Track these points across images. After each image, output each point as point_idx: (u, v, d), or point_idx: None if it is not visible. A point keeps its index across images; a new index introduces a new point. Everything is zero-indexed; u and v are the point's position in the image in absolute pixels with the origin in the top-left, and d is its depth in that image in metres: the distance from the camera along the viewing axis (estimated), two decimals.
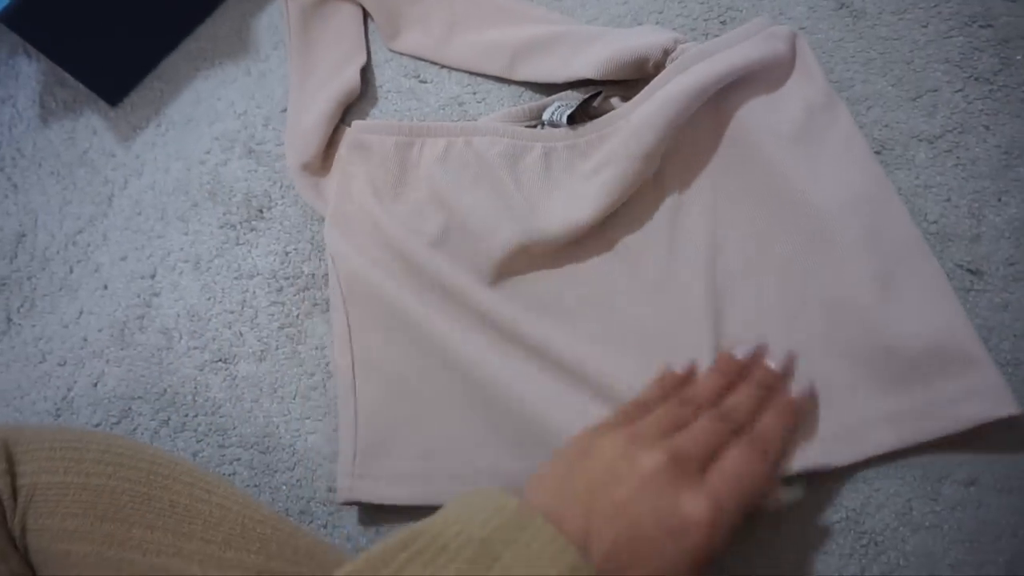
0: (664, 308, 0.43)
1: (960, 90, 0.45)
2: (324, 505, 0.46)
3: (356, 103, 0.55)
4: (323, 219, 0.51)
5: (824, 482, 0.39)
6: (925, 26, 0.47)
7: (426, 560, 0.28)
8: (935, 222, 0.42)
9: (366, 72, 0.56)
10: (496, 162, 0.46)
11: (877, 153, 0.44)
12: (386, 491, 0.44)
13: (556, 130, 0.47)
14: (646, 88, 0.45)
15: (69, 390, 0.54)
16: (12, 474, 0.37)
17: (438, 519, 0.30)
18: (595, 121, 0.46)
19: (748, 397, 0.37)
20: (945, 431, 0.37)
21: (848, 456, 0.38)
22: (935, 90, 0.45)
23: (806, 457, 0.38)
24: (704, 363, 0.40)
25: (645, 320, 0.44)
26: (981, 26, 0.45)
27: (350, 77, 0.54)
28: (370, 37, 0.58)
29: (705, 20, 0.51)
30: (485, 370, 0.43)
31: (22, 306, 0.58)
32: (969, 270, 0.41)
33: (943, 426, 0.37)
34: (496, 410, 0.43)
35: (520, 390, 0.42)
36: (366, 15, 0.58)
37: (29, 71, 0.65)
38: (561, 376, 0.43)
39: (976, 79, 0.45)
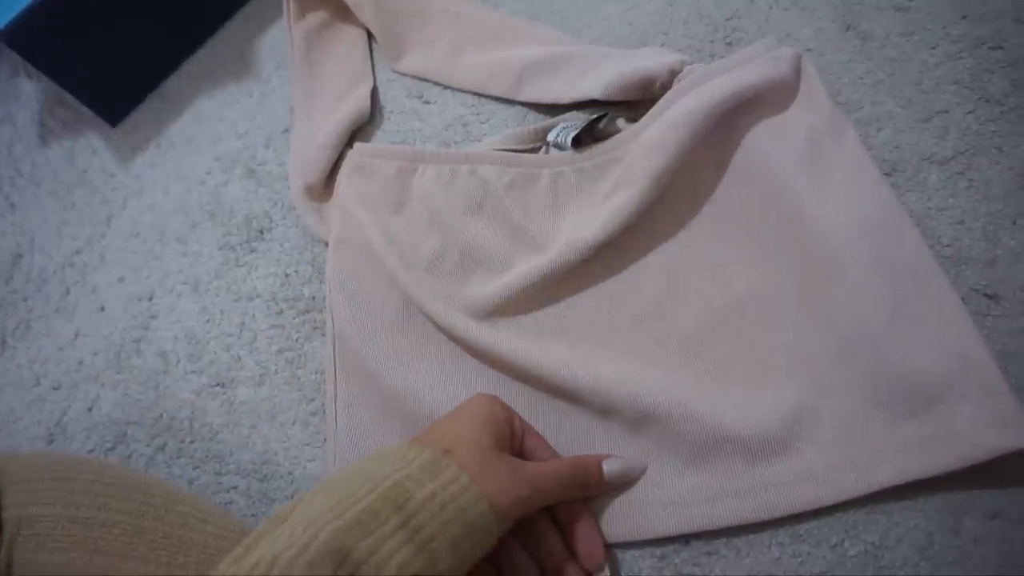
0: (665, 336, 0.43)
1: (971, 112, 0.44)
2: None
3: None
4: (324, 241, 0.51)
5: (843, 515, 0.38)
6: (934, 48, 0.46)
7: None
8: (949, 245, 0.42)
9: (373, 89, 0.56)
10: (504, 193, 0.46)
11: (888, 175, 0.44)
12: None
13: (563, 154, 0.46)
14: (652, 110, 0.45)
15: (63, 415, 0.53)
16: None
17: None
18: (602, 144, 0.46)
19: None
20: (963, 463, 0.36)
21: (863, 487, 0.37)
22: (945, 112, 0.44)
23: (821, 490, 0.37)
24: (703, 393, 0.40)
25: (646, 348, 0.43)
26: (991, 48, 0.45)
27: (359, 101, 0.54)
28: (374, 56, 0.57)
29: (711, 41, 0.50)
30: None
31: (17, 328, 0.57)
32: (985, 295, 0.40)
33: (960, 458, 0.36)
34: None
35: None
36: (370, 37, 0.58)
37: (29, 90, 0.65)
38: (557, 407, 0.42)
39: (987, 101, 0.44)
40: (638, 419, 0.40)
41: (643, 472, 0.40)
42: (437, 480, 0.33)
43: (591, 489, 0.39)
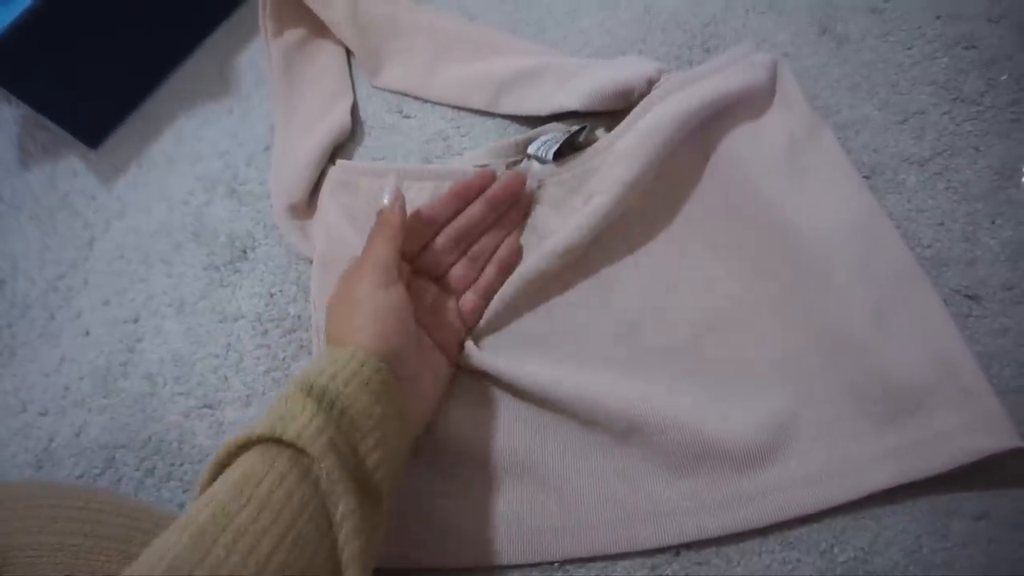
0: (648, 348, 0.43)
1: (947, 112, 0.44)
2: None
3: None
4: (308, 260, 0.50)
5: (831, 521, 0.38)
6: (909, 48, 0.46)
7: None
8: (929, 247, 0.42)
9: (353, 105, 0.55)
10: None
11: (867, 178, 0.44)
12: None
13: (543, 167, 0.46)
14: (627, 118, 0.44)
15: (51, 440, 0.52)
16: None
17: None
18: (580, 155, 0.46)
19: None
20: (947, 466, 0.36)
21: (850, 493, 0.37)
22: (922, 113, 0.45)
23: (808, 498, 0.37)
24: (687, 403, 0.40)
25: (629, 360, 0.43)
26: (965, 48, 0.45)
27: (339, 117, 0.53)
28: (353, 71, 0.57)
29: (689, 48, 0.50)
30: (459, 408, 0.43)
31: (1, 355, 0.56)
32: (967, 295, 0.40)
33: (944, 461, 0.36)
34: (474, 451, 0.42)
35: (494, 431, 0.42)
36: (349, 52, 0.57)
37: (7, 115, 0.65)
38: (541, 418, 0.42)
39: (962, 101, 0.44)
40: (624, 431, 0.40)
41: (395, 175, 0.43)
42: (348, 366, 0.35)
43: (391, 226, 0.41)
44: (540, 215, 0.46)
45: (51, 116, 0.58)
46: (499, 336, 0.44)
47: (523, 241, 0.46)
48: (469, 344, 0.43)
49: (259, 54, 0.60)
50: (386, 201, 0.42)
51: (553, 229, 0.45)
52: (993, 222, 0.42)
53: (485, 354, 0.43)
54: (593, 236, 0.44)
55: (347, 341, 0.36)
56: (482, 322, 0.44)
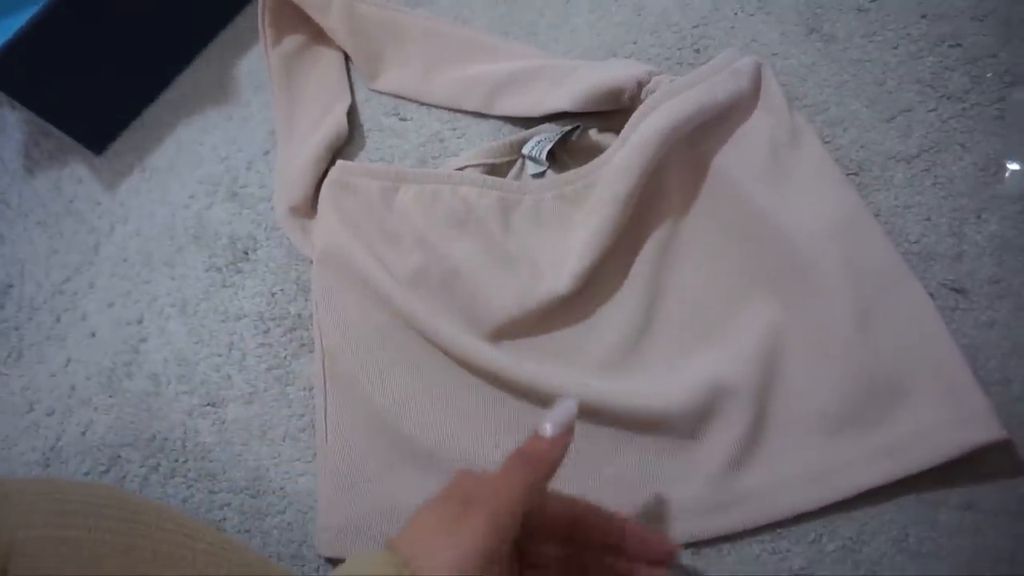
0: (641, 353, 0.43)
1: (933, 109, 0.45)
2: (315, 548, 0.46)
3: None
4: (308, 259, 0.51)
5: (819, 512, 0.38)
6: (895, 47, 0.47)
7: None
8: (916, 242, 0.42)
9: (349, 112, 0.56)
10: (485, 213, 0.47)
11: (855, 175, 0.45)
12: (356, 546, 0.43)
13: (543, 180, 0.47)
14: (622, 132, 0.45)
15: (57, 439, 0.54)
16: None
17: None
18: (580, 169, 0.46)
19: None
20: (935, 461, 0.36)
21: (840, 492, 0.38)
22: (909, 110, 0.45)
23: (798, 498, 0.38)
24: (677, 406, 0.40)
25: (624, 365, 0.43)
26: (950, 46, 0.46)
27: (337, 120, 0.54)
28: (351, 75, 0.58)
29: (679, 49, 0.51)
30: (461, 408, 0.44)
31: (9, 356, 0.57)
32: (953, 289, 0.41)
33: (932, 456, 0.36)
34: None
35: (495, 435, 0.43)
36: (347, 57, 0.59)
37: (13, 122, 0.66)
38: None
39: (948, 98, 0.45)
40: (622, 438, 0.41)
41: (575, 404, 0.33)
42: None
43: (544, 466, 0.32)
44: (541, 231, 0.47)
45: (56, 123, 0.59)
46: (518, 343, 0.45)
47: (520, 247, 0.46)
48: (478, 343, 0.44)
49: (257, 62, 0.61)
50: (548, 431, 0.32)
51: (556, 244, 0.45)
52: (979, 217, 0.42)
53: (494, 353, 0.43)
54: (604, 254, 0.44)
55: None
56: (494, 335, 0.45)
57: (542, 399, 0.43)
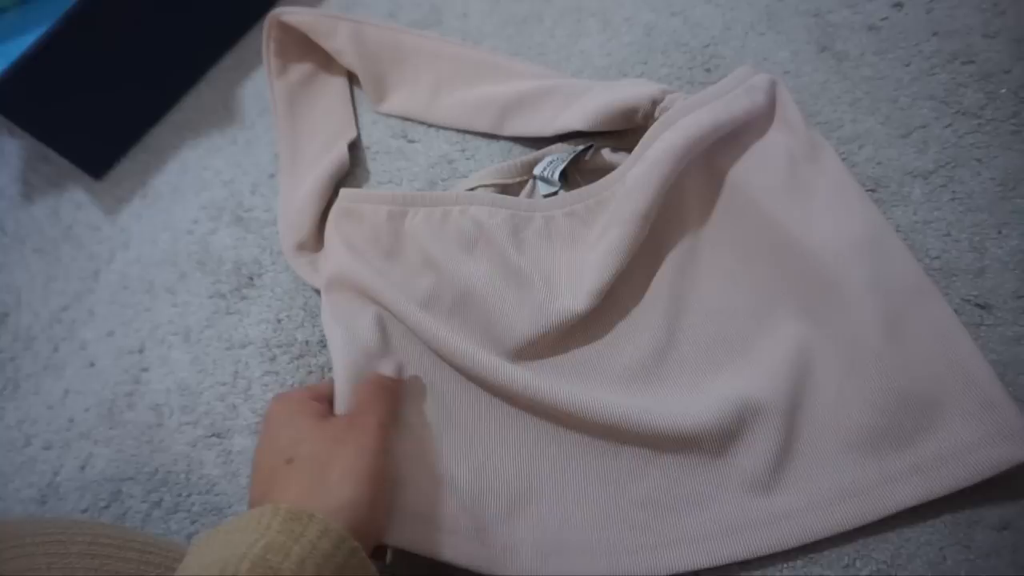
0: (668, 371, 0.42)
1: (949, 125, 0.45)
2: None
3: None
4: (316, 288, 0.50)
5: (853, 535, 0.37)
6: (907, 64, 0.47)
7: None
8: (937, 258, 0.42)
9: (354, 140, 0.56)
10: (496, 232, 0.46)
11: (872, 191, 0.44)
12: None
13: (554, 199, 0.47)
14: (635, 150, 0.44)
15: (55, 474, 0.52)
16: None
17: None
18: (591, 186, 0.46)
19: None
20: (971, 480, 0.36)
21: (875, 513, 0.37)
22: (924, 126, 0.45)
23: (831, 518, 0.37)
24: (705, 425, 0.39)
25: (648, 383, 0.42)
26: (963, 63, 0.46)
27: (339, 154, 0.53)
28: (357, 99, 0.58)
29: (690, 68, 0.51)
30: (476, 429, 0.43)
31: (4, 388, 0.56)
32: (977, 304, 0.41)
33: (968, 475, 0.36)
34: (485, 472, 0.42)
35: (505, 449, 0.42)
36: (351, 81, 0.58)
37: (11, 148, 0.65)
38: (581, 441, 0.42)
39: (963, 114, 0.45)
40: (647, 456, 0.40)
41: None
42: (302, 541, 0.31)
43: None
44: (553, 248, 0.46)
45: (56, 147, 0.58)
46: (540, 363, 0.44)
47: (534, 266, 0.45)
48: (497, 361, 0.43)
49: (261, 84, 0.60)
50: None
51: (570, 261, 0.45)
52: (999, 232, 0.42)
53: (514, 371, 0.42)
54: (621, 272, 0.43)
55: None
56: (513, 355, 0.44)
57: (562, 418, 0.42)
